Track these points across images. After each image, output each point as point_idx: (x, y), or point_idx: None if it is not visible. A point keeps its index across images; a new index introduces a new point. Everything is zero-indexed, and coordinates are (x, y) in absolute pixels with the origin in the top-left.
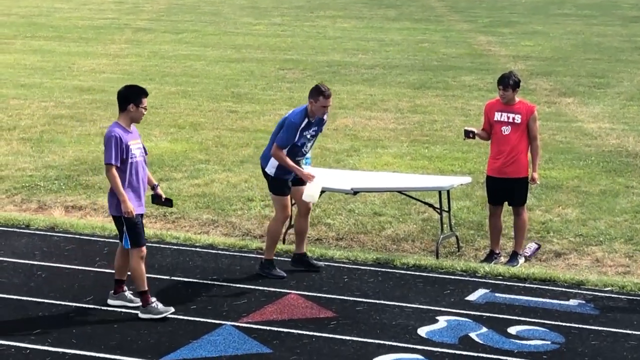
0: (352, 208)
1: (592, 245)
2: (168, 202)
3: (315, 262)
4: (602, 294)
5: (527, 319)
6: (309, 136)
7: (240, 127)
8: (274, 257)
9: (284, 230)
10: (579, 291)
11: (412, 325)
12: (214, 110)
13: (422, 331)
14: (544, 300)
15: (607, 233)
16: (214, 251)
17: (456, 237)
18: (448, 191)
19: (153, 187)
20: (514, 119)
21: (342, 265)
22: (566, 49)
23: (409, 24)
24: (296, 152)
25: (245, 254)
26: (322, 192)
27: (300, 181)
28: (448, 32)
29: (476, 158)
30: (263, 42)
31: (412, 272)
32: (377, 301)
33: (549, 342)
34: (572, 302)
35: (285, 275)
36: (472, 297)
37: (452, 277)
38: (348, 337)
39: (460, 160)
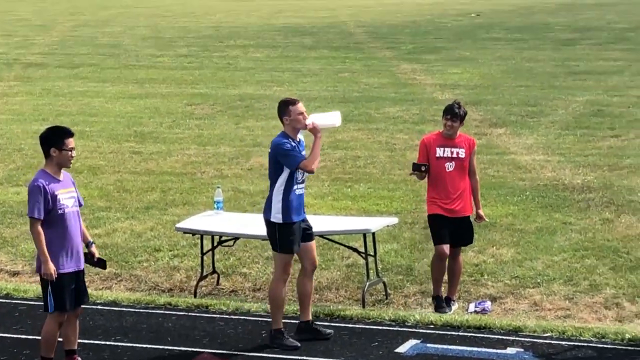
0: (270, 255)
1: (530, 288)
2: (100, 263)
3: (324, 329)
4: (542, 341)
5: None
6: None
7: (145, 169)
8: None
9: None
10: (517, 338)
11: None
12: (114, 151)
13: None
14: (479, 349)
15: (545, 274)
16: (117, 308)
17: (383, 283)
18: (373, 233)
19: (87, 245)
20: (457, 153)
21: (260, 319)
22: (496, 75)
23: (327, 52)
24: (295, 181)
25: (153, 311)
26: (237, 238)
27: (308, 237)
28: (369, 61)
29: (403, 196)
30: (168, 75)
31: (337, 324)
32: (299, 357)
33: None
34: (510, 350)
35: (299, 345)
36: (402, 349)
37: (380, 327)
38: None
39: (386, 199)
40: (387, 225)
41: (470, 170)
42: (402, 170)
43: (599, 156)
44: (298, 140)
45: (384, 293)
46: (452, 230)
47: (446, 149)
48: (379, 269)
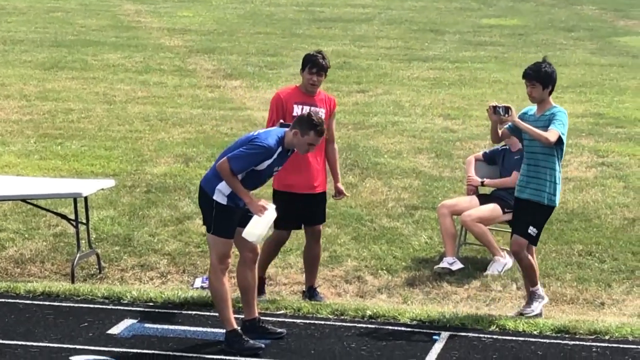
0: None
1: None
2: None
3: (274, 328)
4: (274, 319)
5: (183, 354)
6: (274, 171)
7: None
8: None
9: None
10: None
11: None
12: None
13: None
14: (204, 329)
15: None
16: None
17: (97, 255)
18: (86, 198)
19: None
20: None
21: None
22: (232, 20)
23: None
24: (249, 185)
25: None
26: None
27: (246, 220)
28: None
29: (122, 156)
30: None
31: (40, 302)
32: None
33: None
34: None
35: (262, 346)
36: (115, 330)
37: (92, 305)
38: None
39: (103, 158)
40: (102, 189)
41: (329, 134)
42: (122, 125)
43: (344, 114)
44: (287, 151)
45: (97, 266)
46: (302, 209)
47: (305, 107)
48: (92, 238)
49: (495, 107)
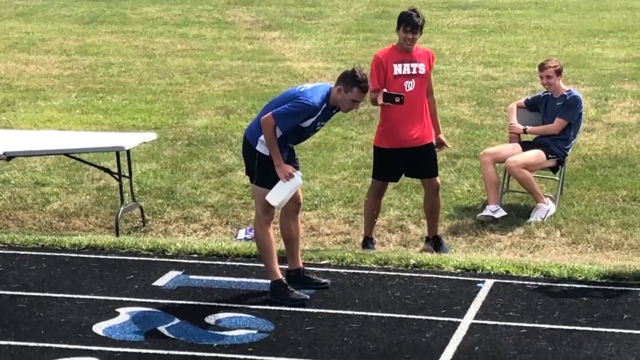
0: (7, 178)
1: (306, 211)
2: None
3: (318, 278)
4: (318, 269)
5: (229, 305)
6: (318, 128)
7: None
8: (284, 270)
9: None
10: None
11: (86, 322)
12: None
13: (99, 328)
14: (248, 280)
15: (324, 195)
16: None
17: (140, 208)
18: (128, 151)
19: None
20: (417, 69)
21: None
22: None
23: None
24: (291, 141)
25: None
26: None
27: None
28: None
29: (163, 109)
30: None
31: (86, 255)
32: (41, 294)
33: (255, 331)
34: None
35: (307, 297)
36: (160, 282)
37: (136, 258)
38: (3, 342)
39: (144, 112)
40: (145, 142)
41: (428, 88)
42: (162, 78)
43: None
44: (332, 108)
45: (140, 219)
46: (409, 163)
47: (405, 65)
48: (135, 192)
49: None
